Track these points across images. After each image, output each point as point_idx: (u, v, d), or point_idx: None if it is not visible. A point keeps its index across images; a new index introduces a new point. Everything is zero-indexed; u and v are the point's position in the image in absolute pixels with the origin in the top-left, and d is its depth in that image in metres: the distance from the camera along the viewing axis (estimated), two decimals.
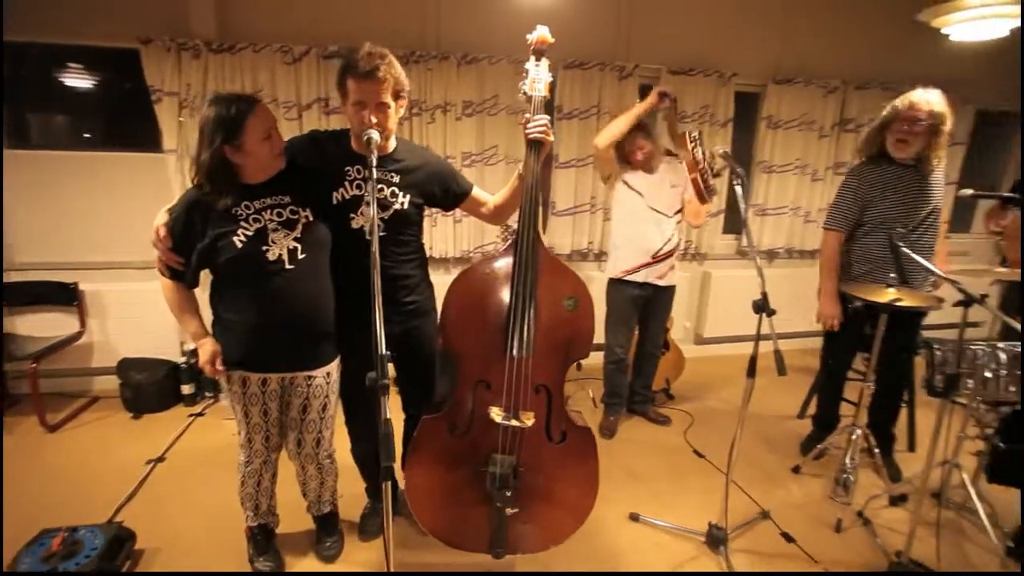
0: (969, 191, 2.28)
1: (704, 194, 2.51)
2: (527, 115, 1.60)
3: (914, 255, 2.09)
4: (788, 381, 2.82)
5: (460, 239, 3.53)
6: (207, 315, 1.67)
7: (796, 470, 2.69)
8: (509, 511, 1.66)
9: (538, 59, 1.62)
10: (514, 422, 1.58)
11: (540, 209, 1.59)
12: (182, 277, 1.58)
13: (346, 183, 1.65)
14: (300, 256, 1.56)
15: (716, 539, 2.09)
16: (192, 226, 1.51)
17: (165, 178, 3.03)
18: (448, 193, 1.81)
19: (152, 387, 3.04)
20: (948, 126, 2.18)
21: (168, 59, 2.88)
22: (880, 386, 2.42)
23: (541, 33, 1.61)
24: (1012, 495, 2.25)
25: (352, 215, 1.65)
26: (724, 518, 2.07)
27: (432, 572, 1.99)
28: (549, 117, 1.61)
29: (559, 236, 3.67)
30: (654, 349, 2.98)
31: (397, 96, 1.60)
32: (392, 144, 1.70)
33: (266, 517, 1.96)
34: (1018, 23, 2.10)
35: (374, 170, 1.40)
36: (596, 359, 3.51)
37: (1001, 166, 4.60)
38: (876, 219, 2.37)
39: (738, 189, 1.88)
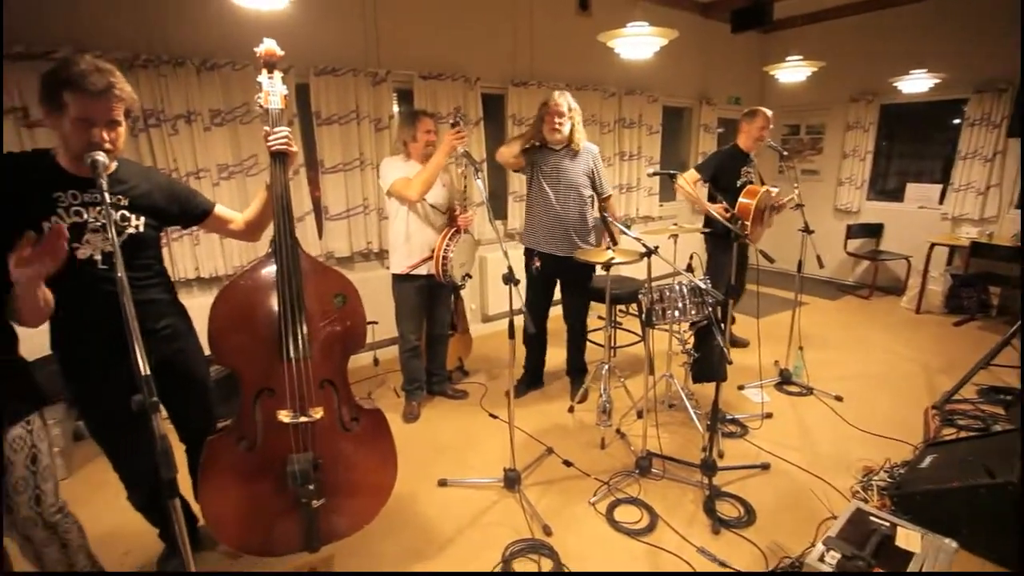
0: (651, 170, 3.06)
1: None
2: (266, 128, 1.66)
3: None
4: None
5: (231, 255, 3.35)
6: None
7: (571, 410, 3.26)
8: (316, 503, 1.75)
9: (270, 72, 1.68)
10: (303, 418, 1.67)
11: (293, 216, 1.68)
12: None
13: (59, 211, 1.49)
14: None
15: (511, 480, 2.47)
16: None
17: None
18: (186, 212, 1.76)
19: None
20: (579, 117, 2.86)
21: None
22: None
23: (268, 46, 1.67)
24: (708, 388, 3.10)
25: (76, 245, 1.51)
26: (513, 461, 2.46)
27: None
28: (289, 129, 1.68)
29: (337, 240, 3.72)
30: (443, 331, 3.27)
31: (127, 114, 1.53)
32: (113, 164, 1.59)
33: None
34: (657, 47, 2.87)
35: (107, 195, 1.33)
36: (392, 352, 3.70)
37: (685, 147, 6.05)
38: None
39: (478, 182, 2.24)
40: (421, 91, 3.83)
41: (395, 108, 3.81)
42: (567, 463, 2.72)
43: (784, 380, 3.52)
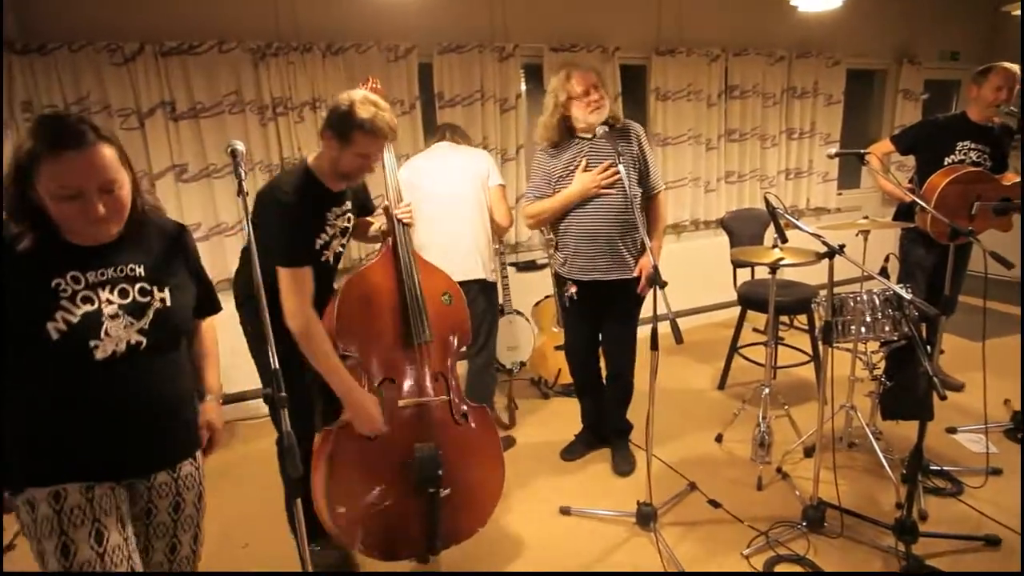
0: (832, 150, 2.76)
1: None
2: (386, 203, 2.11)
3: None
4: (705, 355, 3.23)
5: (350, 248, 3.62)
6: None
7: (719, 439, 3.08)
8: (443, 492, 1.91)
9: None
10: (428, 396, 1.95)
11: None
12: None
13: (326, 227, 1.94)
14: (142, 351, 1.26)
15: (645, 516, 2.38)
16: None
17: None
18: (364, 208, 2.21)
19: None
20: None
21: None
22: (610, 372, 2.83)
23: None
24: (904, 427, 2.76)
25: (325, 253, 1.96)
26: (649, 494, 2.37)
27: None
28: (411, 203, 2.12)
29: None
30: None
31: None
32: None
33: None
34: None
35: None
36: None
37: (875, 120, 5.44)
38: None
39: (620, 167, 2.19)
40: (552, 66, 3.83)
41: (523, 86, 3.87)
42: (714, 503, 2.56)
43: (1020, 426, 3.02)
